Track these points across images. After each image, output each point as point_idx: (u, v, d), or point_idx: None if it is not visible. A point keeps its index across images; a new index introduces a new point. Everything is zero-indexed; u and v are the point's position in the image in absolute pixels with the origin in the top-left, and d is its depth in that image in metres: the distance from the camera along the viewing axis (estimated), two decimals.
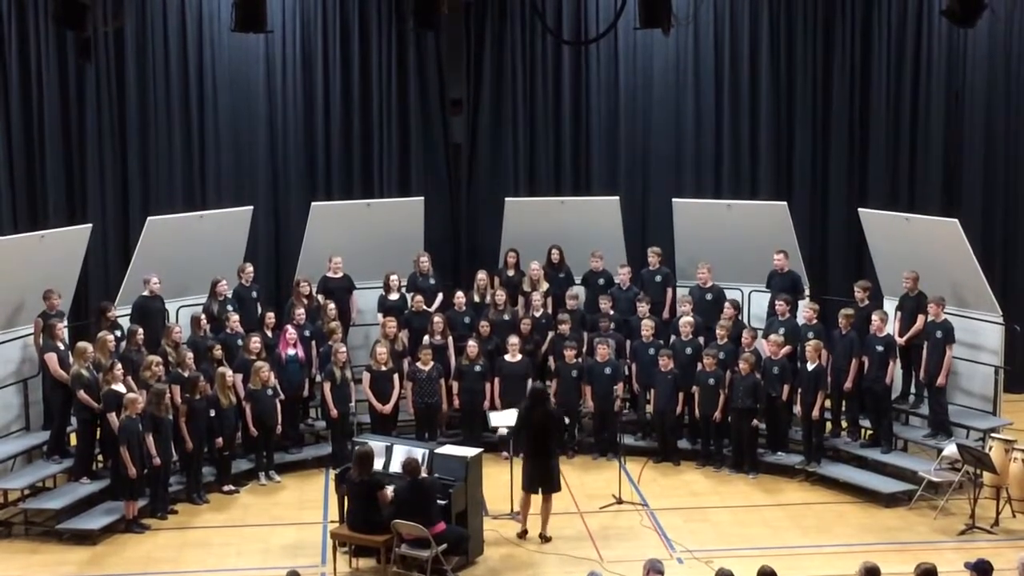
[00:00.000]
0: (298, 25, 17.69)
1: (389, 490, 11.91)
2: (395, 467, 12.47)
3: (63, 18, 11.78)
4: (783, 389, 14.56)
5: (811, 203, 18.29)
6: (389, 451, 12.63)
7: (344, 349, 15.00)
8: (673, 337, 15.53)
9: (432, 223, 17.25)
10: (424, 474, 11.94)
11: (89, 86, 17.17)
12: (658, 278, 16.34)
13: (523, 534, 12.95)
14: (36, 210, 17.19)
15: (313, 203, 16.73)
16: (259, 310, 15.74)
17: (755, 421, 14.68)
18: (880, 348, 14.33)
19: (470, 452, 12.71)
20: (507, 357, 15.25)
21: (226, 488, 14.37)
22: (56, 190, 17.23)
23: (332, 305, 15.62)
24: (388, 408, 14.91)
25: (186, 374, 13.96)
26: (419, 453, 12.31)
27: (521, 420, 12.96)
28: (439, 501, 11.92)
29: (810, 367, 14.39)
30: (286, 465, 15.09)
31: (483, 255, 17.51)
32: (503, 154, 18.22)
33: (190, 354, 14.18)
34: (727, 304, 15.57)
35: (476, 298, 16.31)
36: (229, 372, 14.30)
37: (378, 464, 12.33)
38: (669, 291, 16.33)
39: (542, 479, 12.76)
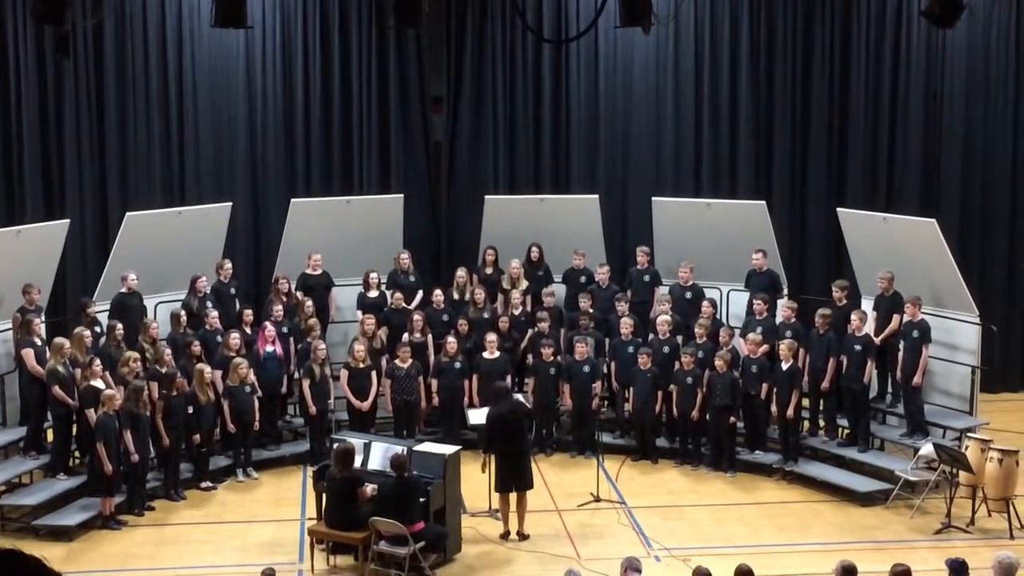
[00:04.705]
0: (278, 21, 17.63)
1: (369, 487, 11.91)
2: (373, 464, 12.47)
3: (41, 13, 11.72)
4: (762, 388, 14.59)
5: (790, 202, 18.32)
6: (368, 448, 12.62)
7: (323, 346, 14.98)
8: (651, 336, 15.56)
9: (412, 220, 17.23)
10: (413, 472, 11.96)
11: (67, 81, 17.05)
12: (646, 277, 16.38)
13: (505, 535, 12.95)
14: (13, 205, 17.08)
15: (293, 200, 16.69)
16: (238, 307, 15.71)
17: (733, 419, 14.72)
18: (858, 348, 14.39)
19: (449, 449, 12.72)
20: (485, 354, 15.25)
21: (203, 485, 14.33)
22: (34, 185, 17.12)
23: (310, 302, 15.60)
24: (366, 405, 14.91)
25: (163, 370, 13.92)
26: (398, 451, 12.30)
27: (490, 420, 12.96)
28: (420, 499, 11.92)
29: (784, 366, 14.42)
30: (264, 462, 15.06)
31: (463, 253, 17.50)
32: (483, 152, 18.21)
33: (168, 350, 14.15)
34: (705, 303, 15.61)
35: (456, 295, 16.32)
36: (207, 368, 14.27)
37: (356, 461, 12.32)
38: (657, 290, 16.36)
39: (515, 478, 12.76)
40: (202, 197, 17.22)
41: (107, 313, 14.86)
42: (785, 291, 16.02)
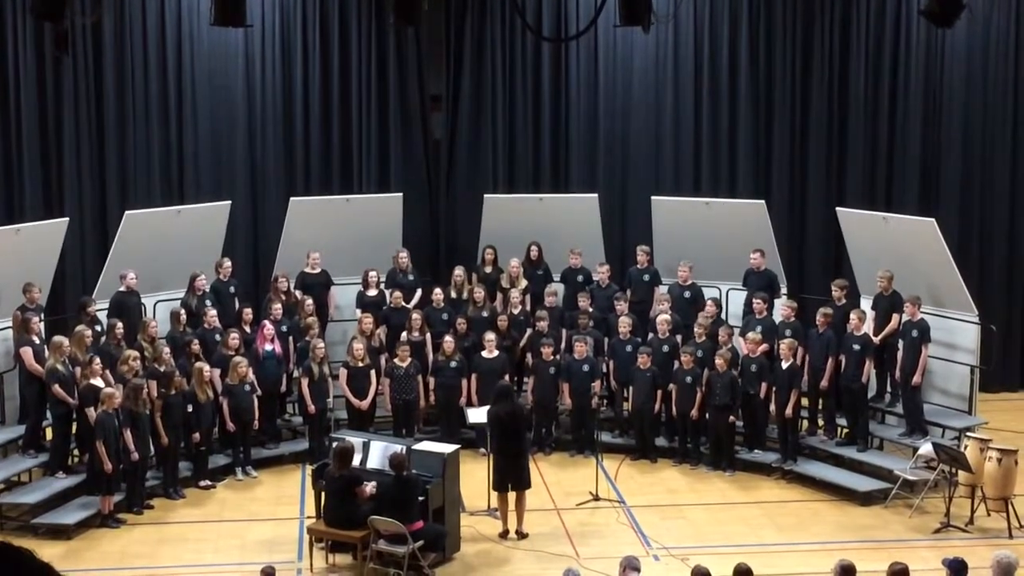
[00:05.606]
0: (278, 19, 17.61)
1: (368, 486, 11.90)
2: (372, 463, 12.47)
3: (41, 10, 11.70)
4: (761, 387, 14.59)
5: (790, 201, 18.31)
6: (366, 447, 12.62)
7: (322, 345, 14.98)
8: (651, 335, 15.56)
9: (411, 219, 17.22)
10: (412, 471, 11.95)
11: (67, 79, 17.03)
12: (646, 277, 16.37)
13: (504, 534, 12.95)
14: (12, 203, 17.05)
15: (292, 198, 16.69)
16: (237, 305, 15.70)
17: (732, 418, 14.72)
18: (857, 347, 14.39)
19: (447, 448, 12.72)
20: (484, 353, 15.24)
21: (202, 483, 14.33)
22: (33, 183, 17.09)
23: (309, 301, 15.60)
24: (365, 404, 14.91)
25: (162, 369, 13.91)
26: (397, 449, 12.30)
27: (490, 419, 12.96)
28: (419, 498, 11.92)
29: (784, 365, 14.42)
30: (263, 461, 15.06)
31: (462, 252, 17.50)
32: (482, 151, 18.19)
33: (166, 349, 14.14)
34: (708, 302, 15.61)
35: (453, 294, 16.32)
36: (206, 367, 14.27)
37: (355, 460, 12.32)
38: (656, 289, 16.35)
39: (512, 477, 12.75)
40: (201, 195, 17.21)
41: (106, 312, 14.85)
42: (783, 290, 16.01)
